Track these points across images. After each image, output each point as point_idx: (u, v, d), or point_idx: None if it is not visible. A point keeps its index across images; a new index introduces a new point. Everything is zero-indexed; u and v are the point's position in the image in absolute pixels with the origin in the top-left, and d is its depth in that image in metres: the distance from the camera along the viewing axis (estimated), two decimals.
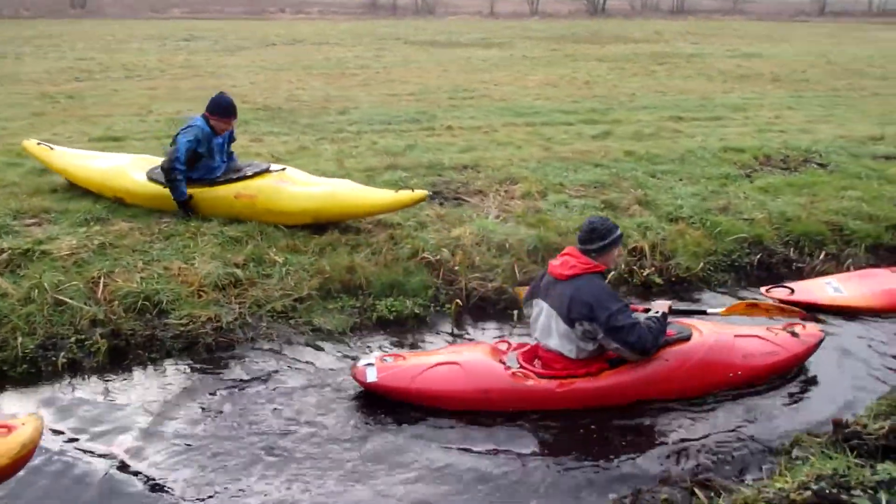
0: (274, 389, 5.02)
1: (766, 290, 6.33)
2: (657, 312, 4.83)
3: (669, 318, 4.93)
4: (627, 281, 6.71)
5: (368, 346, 5.60)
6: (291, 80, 16.51)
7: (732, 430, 4.56)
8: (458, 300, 6.15)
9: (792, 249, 7.33)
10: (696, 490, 3.67)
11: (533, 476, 4.16)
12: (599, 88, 15.81)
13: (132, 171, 7.49)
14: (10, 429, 3.57)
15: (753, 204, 7.93)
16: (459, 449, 4.40)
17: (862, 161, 9.51)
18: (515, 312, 6.08)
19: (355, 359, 5.20)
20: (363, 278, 6.22)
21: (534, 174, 8.42)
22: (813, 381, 5.19)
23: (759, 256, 7.15)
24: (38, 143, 8.26)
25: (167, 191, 7.00)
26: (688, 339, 4.93)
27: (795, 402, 4.95)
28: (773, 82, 17.37)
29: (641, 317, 4.79)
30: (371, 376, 4.81)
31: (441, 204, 7.64)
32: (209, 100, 7.02)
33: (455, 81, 16.57)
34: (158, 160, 7.45)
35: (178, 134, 6.97)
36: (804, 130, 11.30)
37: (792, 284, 6.42)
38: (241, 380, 5.15)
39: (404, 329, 5.90)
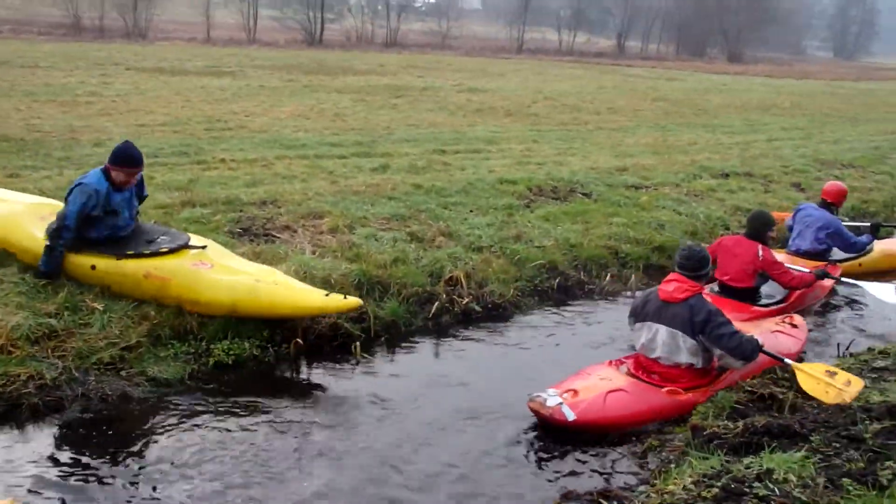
0: (119, 450, 4.68)
1: None
2: (751, 335, 5.55)
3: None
4: (449, 310, 7.00)
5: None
6: (19, 107, 15.08)
7: (595, 444, 4.99)
8: (297, 339, 6.07)
9: (582, 272, 8.05)
10: (602, 501, 3.99)
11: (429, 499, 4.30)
12: (353, 121, 16.12)
13: (29, 221, 6.41)
14: None
15: (540, 232, 8.59)
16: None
17: (617, 190, 10.64)
18: (357, 345, 6.15)
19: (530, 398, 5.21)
20: (194, 322, 5.95)
21: (335, 208, 8.46)
22: None
23: (557, 280, 7.78)
24: None
25: (69, 256, 6.09)
26: None
27: None
28: (508, 116, 18.74)
29: None
30: (570, 415, 4.99)
31: (252, 241, 7.46)
32: (113, 149, 6.25)
33: (204, 112, 16.07)
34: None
35: (71, 189, 6.12)
36: (558, 163, 12.37)
37: None
38: (79, 441, 4.74)
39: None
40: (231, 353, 5.80)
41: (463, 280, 7.24)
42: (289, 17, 51.75)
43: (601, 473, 4.66)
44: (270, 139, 13.02)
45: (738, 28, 68.75)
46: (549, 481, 4.57)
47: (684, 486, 3.82)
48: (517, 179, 10.56)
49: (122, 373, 5.40)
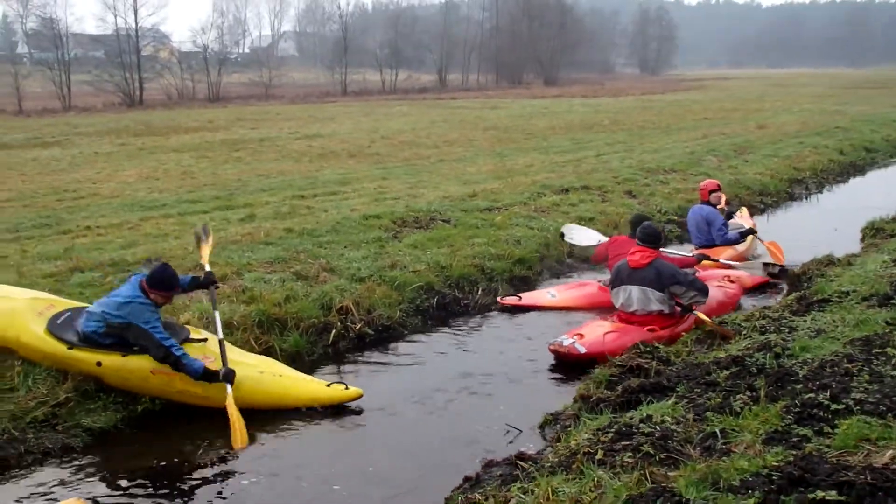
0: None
1: (501, 299, 8.39)
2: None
3: None
4: (345, 336, 7.65)
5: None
6: None
7: (500, 424, 5.86)
8: None
9: (456, 290, 8.89)
10: (519, 462, 4.76)
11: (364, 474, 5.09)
12: (203, 178, 16.40)
13: (27, 317, 6.32)
14: None
15: (412, 258, 9.36)
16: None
17: (473, 214, 11.60)
18: None
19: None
20: None
21: (219, 258, 8.84)
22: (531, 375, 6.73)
23: (436, 300, 8.59)
24: None
25: (73, 352, 6.07)
26: None
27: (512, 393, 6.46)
28: (351, 158, 19.51)
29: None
30: (581, 349, 6.88)
31: None
32: (150, 273, 6.22)
33: (47, 184, 15.90)
34: (61, 302, 6.62)
35: (125, 309, 6.00)
36: (413, 196, 13.21)
37: (522, 294, 8.56)
38: (32, 494, 5.09)
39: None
40: (158, 401, 6.21)
41: (353, 308, 7.91)
42: (104, 80, 50.21)
43: (512, 444, 5.48)
44: (128, 203, 13.17)
45: (550, 53, 72.86)
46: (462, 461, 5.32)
47: (585, 438, 4.66)
48: (380, 214, 11.30)
49: (59, 427, 5.75)
